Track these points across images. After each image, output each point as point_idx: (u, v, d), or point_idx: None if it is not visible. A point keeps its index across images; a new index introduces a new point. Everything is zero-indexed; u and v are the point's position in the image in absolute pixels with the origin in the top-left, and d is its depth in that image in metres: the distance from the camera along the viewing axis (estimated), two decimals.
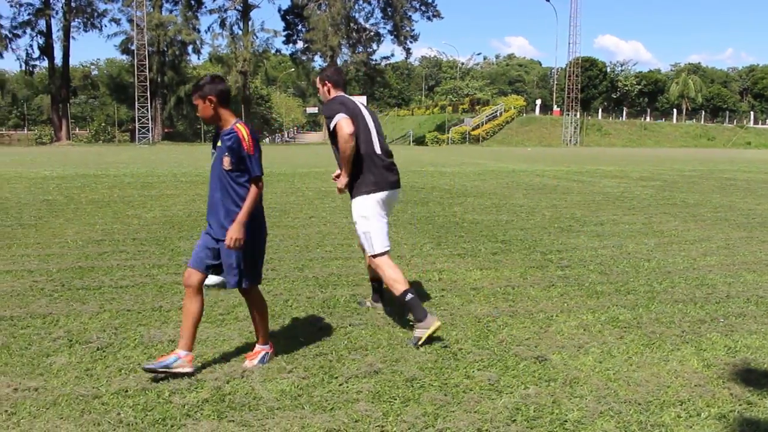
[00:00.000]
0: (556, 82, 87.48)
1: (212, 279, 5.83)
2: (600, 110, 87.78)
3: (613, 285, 6.44)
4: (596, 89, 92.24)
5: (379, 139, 5.09)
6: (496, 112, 73.86)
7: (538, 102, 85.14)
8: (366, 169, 4.98)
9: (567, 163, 29.45)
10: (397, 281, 4.88)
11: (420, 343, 4.63)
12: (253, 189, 4.03)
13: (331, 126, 4.89)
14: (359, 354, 4.45)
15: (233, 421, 3.45)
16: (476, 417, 3.51)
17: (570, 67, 73.74)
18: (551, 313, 5.45)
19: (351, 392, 3.82)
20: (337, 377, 4.04)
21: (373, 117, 5.20)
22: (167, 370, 3.96)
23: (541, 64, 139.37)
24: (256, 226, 4.12)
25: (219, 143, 4.08)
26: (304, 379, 4.01)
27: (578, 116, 74.08)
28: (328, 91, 5.10)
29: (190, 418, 3.48)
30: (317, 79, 5.22)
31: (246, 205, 4.00)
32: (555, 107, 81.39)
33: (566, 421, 3.46)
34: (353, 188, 5.03)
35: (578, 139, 71.95)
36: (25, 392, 3.78)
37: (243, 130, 4.00)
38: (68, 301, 5.75)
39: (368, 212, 4.96)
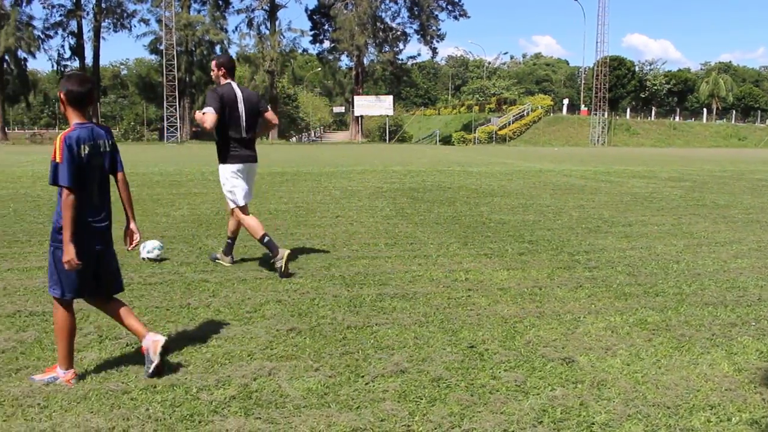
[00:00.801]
0: (583, 82, 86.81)
1: (154, 252, 7.32)
2: (628, 110, 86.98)
3: (642, 287, 6.38)
4: (624, 88, 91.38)
5: (246, 125, 6.80)
6: (523, 111, 73.48)
7: (566, 101, 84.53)
8: (231, 146, 6.74)
9: (594, 163, 29.22)
10: (255, 228, 6.79)
11: (283, 270, 6.50)
12: (62, 199, 3.78)
13: (203, 110, 6.56)
14: (385, 353, 4.45)
15: (260, 418, 3.47)
16: (502, 418, 3.49)
17: (598, 67, 73.15)
18: (579, 315, 5.41)
19: (377, 391, 3.83)
20: (363, 376, 4.04)
21: (248, 105, 6.79)
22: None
23: (568, 63, 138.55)
24: (74, 239, 3.80)
25: None
26: (331, 377, 4.02)
27: (606, 116, 73.49)
28: (223, 76, 6.72)
29: (217, 414, 3.51)
30: (214, 63, 6.81)
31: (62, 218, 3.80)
32: (582, 107, 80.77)
33: (593, 424, 3.43)
34: (221, 158, 6.81)
35: (606, 139, 71.36)
36: (57, 386, 3.84)
37: (59, 138, 3.77)
38: None
39: (229, 176, 6.79)
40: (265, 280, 6.52)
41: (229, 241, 7.22)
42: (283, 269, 6.49)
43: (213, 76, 6.80)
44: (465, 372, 4.13)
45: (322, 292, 6.07)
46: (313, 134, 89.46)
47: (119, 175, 4.15)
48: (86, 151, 3.83)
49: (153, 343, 3.99)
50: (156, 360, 3.96)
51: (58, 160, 3.73)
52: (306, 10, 78.95)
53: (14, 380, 3.94)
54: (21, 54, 66.40)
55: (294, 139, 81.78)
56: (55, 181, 3.75)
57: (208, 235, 9.04)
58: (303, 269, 7.01)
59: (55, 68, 73.32)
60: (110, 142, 4.07)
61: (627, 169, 24.88)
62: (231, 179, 6.80)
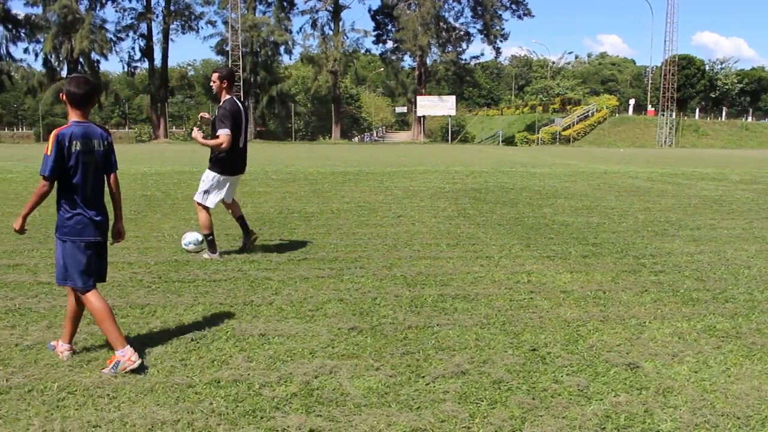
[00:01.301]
0: (650, 81, 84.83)
1: (190, 246, 7.46)
2: (697, 110, 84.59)
3: (710, 292, 6.21)
4: (693, 88, 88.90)
5: (244, 137, 7.51)
6: (587, 112, 72.23)
7: (632, 102, 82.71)
8: (232, 158, 7.38)
9: (661, 165, 28.55)
10: (206, 224, 7.47)
11: (203, 257, 7.38)
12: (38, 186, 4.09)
13: (219, 132, 7.16)
14: (446, 354, 4.44)
15: (321, 415, 3.50)
16: (564, 423, 3.45)
17: (666, 66, 71.39)
18: (644, 320, 5.30)
19: (438, 392, 3.82)
20: (424, 376, 4.04)
21: (246, 116, 7.51)
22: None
23: (635, 63, 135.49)
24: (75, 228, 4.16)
25: None
26: (391, 377, 4.03)
27: (674, 116, 71.66)
28: (226, 90, 7.26)
29: (279, 411, 3.56)
30: (216, 75, 7.23)
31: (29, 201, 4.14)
32: (649, 107, 78.93)
33: None
34: (217, 167, 7.42)
35: (673, 140, 69.61)
36: (125, 378, 3.95)
37: (53, 133, 4.05)
38: (165, 293, 5.96)
39: (215, 183, 7.44)
40: (327, 279, 6.58)
41: (242, 222, 7.99)
42: (204, 258, 7.42)
43: (214, 88, 7.27)
44: (526, 375, 4.09)
45: (383, 292, 6.09)
46: (375, 134, 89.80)
47: (111, 176, 4.42)
48: (77, 148, 4.07)
49: (64, 350, 4.32)
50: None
51: (48, 152, 4.02)
52: (369, 10, 79.30)
53: (85, 371, 4.07)
54: (94, 56, 68.45)
55: (356, 139, 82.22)
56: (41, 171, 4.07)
57: (271, 234, 9.17)
58: (365, 269, 7.05)
59: (125, 70, 75.42)
60: (106, 143, 4.29)
61: (695, 171, 24.23)
62: (216, 186, 7.47)
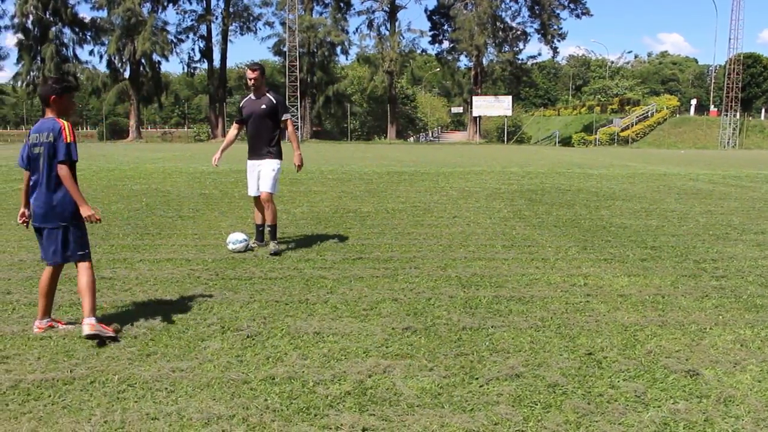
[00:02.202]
0: (713, 81, 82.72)
1: (236, 245, 7.79)
2: (763, 110, 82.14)
3: None
4: (759, 87, 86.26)
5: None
6: (647, 112, 70.81)
7: (693, 102, 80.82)
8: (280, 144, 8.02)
9: (724, 167, 27.80)
10: (276, 215, 7.92)
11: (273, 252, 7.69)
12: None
13: (283, 117, 7.94)
14: (501, 356, 4.41)
15: (374, 415, 3.51)
16: (621, 429, 3.39)
17: (730, 65, 69.48)
18: (704, 326, 5.17)
19: (491, 394, 3.80)
20: (477, 378, 4.02)
21: None
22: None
23: (697, 62, 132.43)
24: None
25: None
26: (445, 378, 4.02)
27: (738, 117, 69.71)
28: (264, 83, 7.85)
29: (332, 409, 3.58)
30: (258, 71, 7.73)
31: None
32: (712, 107, 76.95)
33: None
34: (273, 153, 7.93)
35: (737, 142, 67.72)
36: (183, 373, 4.03)
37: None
38: (221, 290, 6.06)
39: (278, 172, 7.95)
40: (382, 278, 6.60)
41: (260, 227, 8.23)
42: (274, 249, 7.79)
43: (256, 83, 7.73)
44: (582, 379, 4.03)
45: (438, 292, 6.08)
46: (430, 134, 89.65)
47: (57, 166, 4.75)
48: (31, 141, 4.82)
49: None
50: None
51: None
52: (425, 10, 79.23)
53: (145, 365, 4.17)
54: (155, 57, 70.02)
55: (411, 138, 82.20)
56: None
57: (326, 233, 9.24)
58: (419, 269, 7.05)
59: (185, 70, 76.89)
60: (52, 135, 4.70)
61: (760, 174, 23.52)
62: (279, 171, 8.01)
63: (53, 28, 66.16)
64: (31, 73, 66.21)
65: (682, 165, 29.07)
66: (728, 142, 66.90)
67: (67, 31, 68.03)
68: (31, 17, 64.70)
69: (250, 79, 7.71)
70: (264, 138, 7.88)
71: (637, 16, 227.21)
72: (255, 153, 7.97)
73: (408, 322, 5.15)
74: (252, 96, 7.86)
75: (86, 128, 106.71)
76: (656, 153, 46.75)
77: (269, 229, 7.88)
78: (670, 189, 16.87)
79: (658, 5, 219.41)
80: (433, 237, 9.06)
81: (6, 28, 72.66)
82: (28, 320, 5.06)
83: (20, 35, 65.70)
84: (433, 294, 6.02)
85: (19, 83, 68.96)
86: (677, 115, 73.93)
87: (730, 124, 67.70)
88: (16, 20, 64.64)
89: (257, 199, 8.05)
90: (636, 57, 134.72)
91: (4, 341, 4.62)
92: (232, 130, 8.29)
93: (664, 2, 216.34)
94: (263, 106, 7.77)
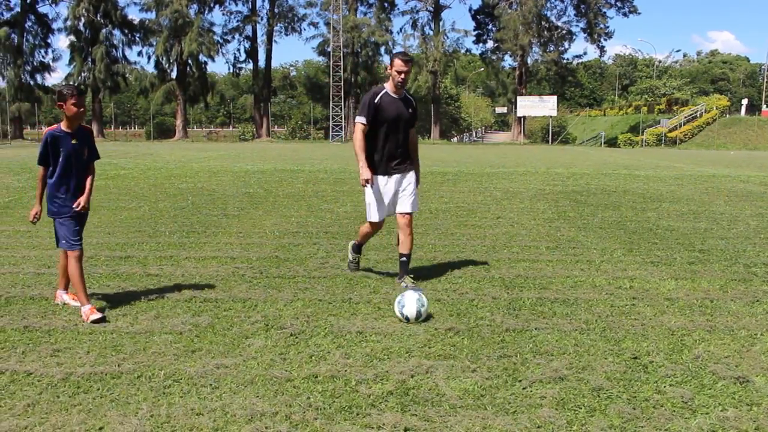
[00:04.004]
0: (766, 80, 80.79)
1: (423, 310, 5.14)
2: None
3: None
4: None
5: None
6: (695, 112, 69.42)
7: (744, 102, 78.97)
8: None
9: None
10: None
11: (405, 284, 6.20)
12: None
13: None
14: (544, 359, 4.37)
15: (416, 415, 3.51)
16: None
17: None
18: (755, 331, 5.05)
19: (534, 397, 3.76)
20: (520, 380, 3.99)
21: None
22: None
23: (749, 61, 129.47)
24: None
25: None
26: (488, 379, 4.00)
27: None
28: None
29: (375, 408, 3.59)
30: (412, 63, 6.40)
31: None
32: (764, 107, 75.16)
33: None
34: (412, 164, 6.48)
35: None
36: (227, 369, 4.08)
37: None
38: (265, 288, 6.12)
39: None
40: (424, 279, 6.59)
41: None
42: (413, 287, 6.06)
43: (407, 77, 6.29)
44: (627, 384, 3.97)
45: (481, 294, 6.05)
46: (474, 134, 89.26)
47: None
48: None
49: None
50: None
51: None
52: (470, 10, 79.11)
53: (190, 361, 4.23)
54: (202, 58, 70.97)
55: (455, 139, 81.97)
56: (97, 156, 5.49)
57: None
58: (462, 270, 7.02)
59: (231, 70, 77.81)
60: None
61: None
62: None
63: (104, 30, 67.50)
64: (83, 74, 67.66)
65: (732, 166, 28.46)
66: None
67: (116, 32, 69.40)
68: (83, 20, 66.12)
69: (402, 73, 6.20)
70: (406, 147, 6.42)
71: (686, 14, 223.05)
72: (395, 165, 6.34)
73: (451, 322, 5.13)
74: (393, 94, 6.29)
75: (134, 127, 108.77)
76: (705, 154, 45.84)
77: (405, 259, 6.34)
78: (719, 191, 16.53)
79: (708, 3, 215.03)
80: (477, 238, 9.02)
81: (59, 30, 74.24)
82: (77, 315, 5.17)
83: (72, 37, 67.23)
84: (476, 295, 5.99)
85: (71, 84, 70.55)
86: (727, 116, 72.30)
87: None
88: (68, 23, 66.14)
89: (376, 225, 6.54)
90: (685, 56, 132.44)
91: (55, 335, 4.73)
92: (363, 134, 6.26)
93: (714, 0, 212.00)
94: (410, 110, 6.38)
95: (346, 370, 4.10)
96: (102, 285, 6.17)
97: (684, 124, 67.50)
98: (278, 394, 3.74)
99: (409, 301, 5.12)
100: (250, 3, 72.21)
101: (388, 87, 6.28)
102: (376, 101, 6.20)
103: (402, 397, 3.73)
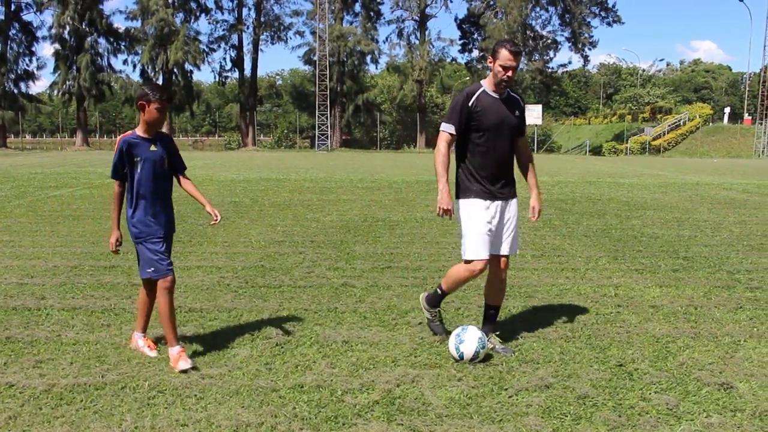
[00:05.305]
0: (747, 89, 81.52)
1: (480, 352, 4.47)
2: None
3: None
4: None
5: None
6: (679, 121, 69.96)
7: (727, 110, 79.64)
8: None
9: (759, 176, 27.36)
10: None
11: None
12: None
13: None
14: (530, 367, 4.38)
15: (402, 424, 3.51)
16: None
17: (765, 72, 68.49)
18: (738, 338, 5.09)
19: (520, 405, 3.77)
20: (506, 389, 4.00)
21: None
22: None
23: (731, 69, 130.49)
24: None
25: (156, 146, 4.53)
26: (474, 388, 4.00)
27: None
28: None
29: (360, 418, 3.58)
30: (519, 58, 4.70)
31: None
32: (746, 115, 75.85)
33: None
34: (514, 187, 5.02)
35: None
36: (212, 380, 4.06)
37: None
38: (251, 298, 6.10)
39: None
40: (411, 288, 6.59)
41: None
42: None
43: (513, 74, 4.71)
44: (612, 391, 3.99)
45: (466, 302, 6.05)
46: None
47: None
48: None
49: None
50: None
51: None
52: (455, 19, 78.88)
53: (174, 371, 4.20)
54: (188, 66, 70.76)
55: None
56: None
57: (355, 242, 9.26)
58: None
59: (216, 79, 77.60)
60: None
61: None
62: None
63: (89, 38, 67.22)
64: (67, 83, 67.29)
65: (715, 174, 28.69)
66: (763, 151, 65.82)
67: (102, 41, 69.09)
68: (67, 28, 65.83)
69: (509, 69, 4.67)
70: (511, 162, 5.01)
71: (669, 24, 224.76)
72: (499, 186, 4.88)
73: None
74: (493, 93, 4.78)
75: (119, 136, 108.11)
76: (688, 162, 46.18)
77: (493, 312, 5.06)
78: (702, 199, 16.66)
79: (690, 12, 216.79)
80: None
81: (44, 38, 73.95)
82: (62, 326, 5.14)
83: (57, 45, 66.87)
84: (462, 303, 6.00)
85: (56, 92, 70.06)
86: (710, 124, 72.94)
87: (765, 132, 66.60)
88: (53, 31, 65.80)
89: (480, 266, 4.84)
90: (668, 65, 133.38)
91: (38, 346, 4.69)
92: (448, 147, 4.89)
93: (697, 9, 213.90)
94: (517, 113, 4.89)
95: (331, 380, 4.09)
96: (86, 295, 6.13)
97: (668, 133, 68.03)
98: (264, 405, 3.73)
99: (471, 337, 4.42)
100: (236, 12, 72.17)
101: (487, 84, 4.79)
102: (470, 104, 4.73)
103: (388, 406, 3.73)
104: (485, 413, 3.65)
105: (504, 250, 4.90)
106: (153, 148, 4.46)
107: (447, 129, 4.83)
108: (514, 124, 4.84)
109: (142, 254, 4.46)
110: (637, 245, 9.26)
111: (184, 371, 4.18)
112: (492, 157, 4.81)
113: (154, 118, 4.42)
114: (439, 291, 5.04)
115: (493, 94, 4.76)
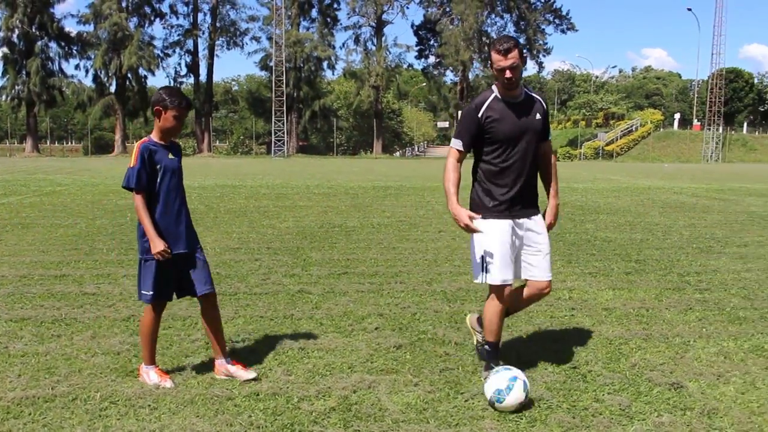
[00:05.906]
0: (696, 95, 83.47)
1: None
2: (745, 124, 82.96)
3: (758, 311, 6.06)
4: (741, 102, 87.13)
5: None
6: (631, 126, 71.35)
7: (677, 116, 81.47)
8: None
9: (707, 180, 28.03)
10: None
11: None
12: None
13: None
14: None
15: (359, 430, 3.50)
16: None
17: (712, 79, 70.20)
18: (688, 338, 5.19)
19: (476, 409, 3.79)
20: (463, 393, 4.02)
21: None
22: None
23: (680, 77, 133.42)
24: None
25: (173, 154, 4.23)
26: (430, 393, 4.01)
27: (721, 131, 70.34)
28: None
29: (317, 425, 3.57)
30: (516, 52, 4.07)
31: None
32: (695, 121, 77.67)
33: None
34: (537, 201, 4.45)
35: (720, 155, 68.32)
36: (166, 389, 4.00)
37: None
38: None
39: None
40: (367, 293, 6.59)
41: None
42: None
43: (520, 74, 4.19)
44: (567, 393, 4.04)
45: (423, 307, 6.07)
46: (416, 149, 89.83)
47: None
48: None
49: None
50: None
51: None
52: (412, 25, 79.78)
53: (127, 381, 4.14)
54: (142, 72, 69.90)
55: (398, 153, 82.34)
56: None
57: (312, 248, 9.22)
58: (404, 284, 7.04)
59: (171, 85, 76.77)
60: None
61: (743, 187, 23.73)
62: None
63: (39, 42, 66.02)
64: (16, 87, 65.96)
65: (666, 179, 29.29)
66: (711, 156, 67.49)
67: (53, 45, 67.99)
68: (16, 31, 64.50)
69: (505, 70, 4.10)
70: (534, 175, 4.43)
71: (621, 32, 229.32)
72: (521, 203, 4.33)
73: (393, 337, 5.14)
74: (507, 98, 4.24)
75: (71, 142, 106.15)
76: (640, 167, 47.07)
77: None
78: (654, 203, 16.99)
79: (641, 21, 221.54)
80: (419, 252, 9.06)
81: None
82: (8, 337, 5.01)
83: (5, 49, 65.54)
84: (418, 309, 6.01)
85: (4, 97, 68.66)
86: (661, 130, 74.50)
87: (713, 138, 68.33)
88: (1, 34, 64.39)
89: (507, 292, 4.30)
90: (620, 72, 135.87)
91: None
92: (458, 164, 4.54)
93: (648, 18, 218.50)
94: (538, 116, 4.33)
95: (288, 387, 4.06)
96: (35, 305, 5.99)
97: (620, 138, 69.31)
98: (219, 413, 3.69)
99: (518, 387, 3.73)
100: (191, 17, 71.61)
101: (498, 89, 4.26)
102: (480, 115, 4.21)
103: (344, 413, 3.72)
104: (441, 417, 3.67)
105: (543, 274, 4.35)
106: (171, 156, 4.20)
107: (455, 145, 4.39)
108: (535, 129, 4.28)
109: (144, 273, 4.20)
110: (591, 249, 9.40)
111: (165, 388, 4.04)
112: (511, 171, 4.27)
113: (171, 126, 4.14)
114: (488, 347, 4.37)
115: (507, 99, 4.23)
